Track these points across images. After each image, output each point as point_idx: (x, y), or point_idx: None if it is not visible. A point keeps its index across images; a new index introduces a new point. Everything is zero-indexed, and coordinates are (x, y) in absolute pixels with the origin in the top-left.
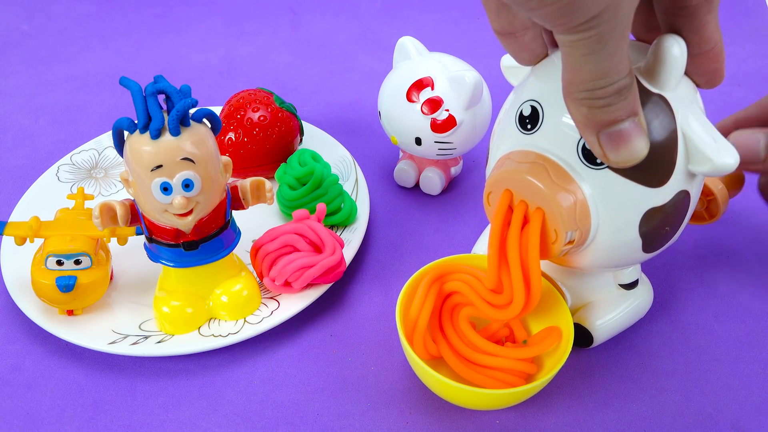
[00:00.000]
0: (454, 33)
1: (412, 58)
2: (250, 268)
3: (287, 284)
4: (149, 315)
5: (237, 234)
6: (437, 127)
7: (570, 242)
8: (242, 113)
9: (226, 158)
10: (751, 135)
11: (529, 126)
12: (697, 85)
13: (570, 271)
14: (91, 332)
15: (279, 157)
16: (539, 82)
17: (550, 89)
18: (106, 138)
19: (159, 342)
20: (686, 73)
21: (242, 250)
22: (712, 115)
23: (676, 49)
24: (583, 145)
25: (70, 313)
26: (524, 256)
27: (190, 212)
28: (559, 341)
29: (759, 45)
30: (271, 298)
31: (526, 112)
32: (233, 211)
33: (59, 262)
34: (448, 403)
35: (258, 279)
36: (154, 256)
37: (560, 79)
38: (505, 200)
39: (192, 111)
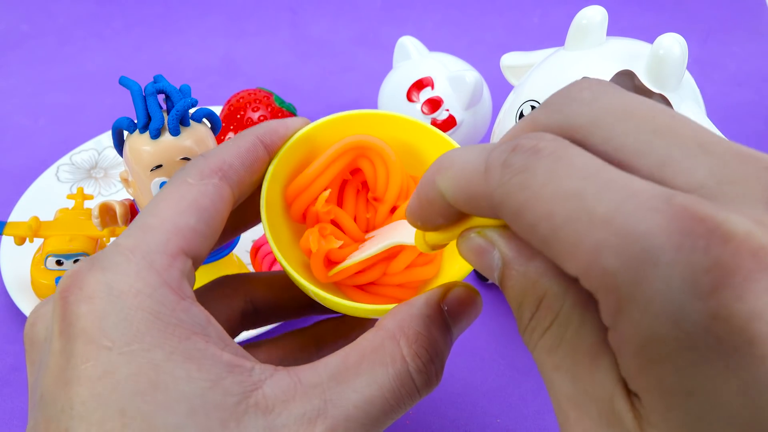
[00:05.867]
0: (454, 33)
1: (412, 58)
2: (250, 268)
3: None
4: None
5: None
6: (437, 126)
7: None
8: (242, 113)
9: None
10: (486, 249)
11: None
12: None
13: None
14: None
15: None
16: (540, 82)
17: (551, 89)
18: (106, 138)
19: None
20: None
21: (242, 250)
22: (712, 115)
23: (677, 49)
24: None
25: None
26: None
27: None
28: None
29: (759, 45)
30: None
31: (527, 112)
32: None
33: (59, 262)
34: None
35: None
36: None
37: (560, 79)
38: None
39: (192, 111)
